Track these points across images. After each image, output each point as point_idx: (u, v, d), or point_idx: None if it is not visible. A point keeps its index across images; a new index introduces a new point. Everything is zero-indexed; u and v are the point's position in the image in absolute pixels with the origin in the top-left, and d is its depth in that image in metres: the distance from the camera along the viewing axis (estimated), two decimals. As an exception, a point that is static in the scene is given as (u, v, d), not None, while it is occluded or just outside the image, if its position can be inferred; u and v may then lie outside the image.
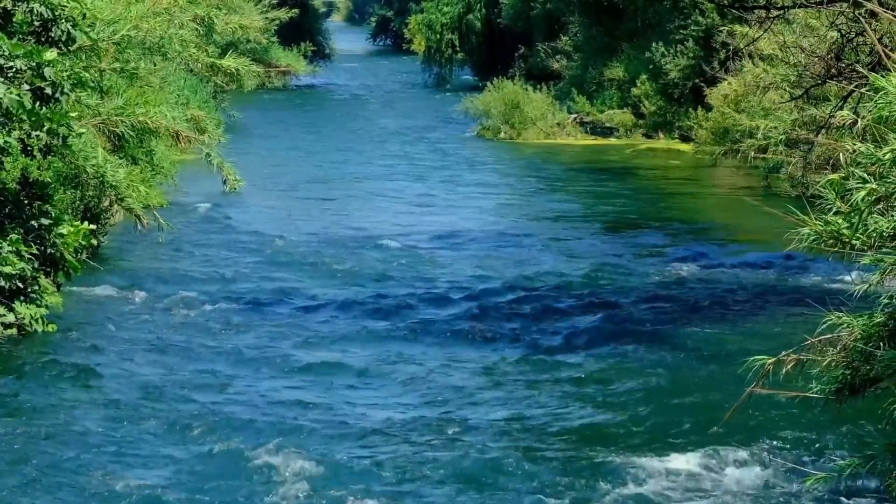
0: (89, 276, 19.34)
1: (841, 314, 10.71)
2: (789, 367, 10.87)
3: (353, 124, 49.76)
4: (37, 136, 16.39)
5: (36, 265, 16.95)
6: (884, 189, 10.02)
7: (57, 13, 17.23)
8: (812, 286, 21.00)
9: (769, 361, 10.87)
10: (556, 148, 43.28)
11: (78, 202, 20.96)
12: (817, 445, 13.19)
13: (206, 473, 12.57)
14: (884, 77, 10.15)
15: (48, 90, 16.55)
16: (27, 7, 17.17)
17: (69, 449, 13.10)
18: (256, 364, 16.63)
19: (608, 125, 45.67)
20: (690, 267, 23.13)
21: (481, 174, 37.26)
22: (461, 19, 67.52)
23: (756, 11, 18.44)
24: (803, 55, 17.22)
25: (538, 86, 47.64)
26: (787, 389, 11.21)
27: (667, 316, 19.33)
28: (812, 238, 10.45)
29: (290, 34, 63.54)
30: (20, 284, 16.82)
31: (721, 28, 32.18)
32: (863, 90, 11.84)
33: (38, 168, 17.89)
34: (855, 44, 16.56)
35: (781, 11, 17.62)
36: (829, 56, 16.75)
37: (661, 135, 43.81)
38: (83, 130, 18.55)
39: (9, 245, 16.64)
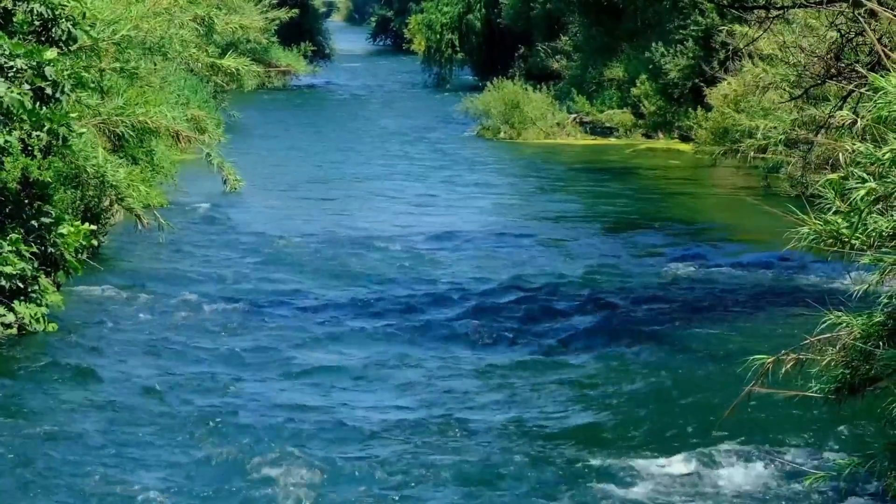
0: (89, 276, 19.34)
1: (840, 313, 10.73)
2: (788, 366, 10.88)
3: (353, 124, 49.77)
4: (37, 136, 16.40)
5: (36, 265, 16.96)
6: (883, 189, 10.03)
7: (57, 13, 17.24)
8: (811, 286, 21.00)
9: (768, 361, 10.89)
10: (555, 148, 43.28)
11: (78, 202, 20.97)
12: (816, 445, 13.19)
13: (206, 476, 12.55)
14: (883, 77, 10.16)
15: (49, 90, 16.55)
16: (27, 7, 17.18)
17: (68, 450, 13.10)
18: (256, 365, 16.62)
19: (608, 125, 45.68)
20: (690, 267, 23.13)
21: (481, 174, 37.27)
22: (461, 19, 67.53)
23: (755, 11, 18.45)
24: (803, 55, 17.23)
25: (538, 86, 47.65)
26: (787, 389, 11.22)
27: (666, 316, 19.33)
28: (811, 237, 10.46)
29: (290, 34, 63.55)
30: (20, 284, 16.82)
31: (721, 28, 32.23)
32: (862, 90, 11.85)
33: (39, 168, 17.90)
34: (854, 44, 16.56)
35: (781, 11, 17.63)
36: (829, 56, 16.76)
37: (660, 135, 43.82)
38: (83, 130, 18.56)
39: (9, 245, 16.65)
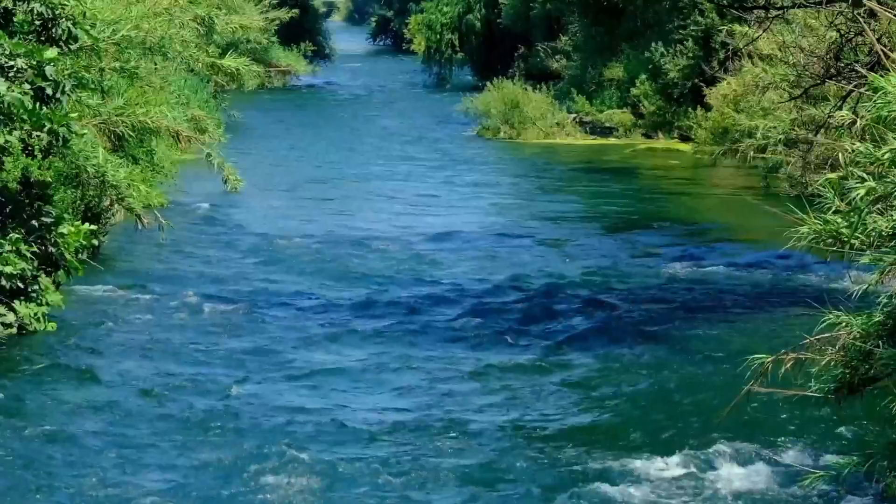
0: (89, 276, 19.33)
1: (840, 313, 10.72)
2: (788, 365, 10.88)
3: (353, 124, 49.77)
4: (38, 136, 16.40)
5: (36, 265, 16.97)
6: (882, 188, 10.04)
7: (57, 12, 17.25)
8: (811, 285, 21.01)
9: (768, 360, 10.88)
10: (555, 148, 43.29)
11: (78, 202, 20.98)
12: (816, 445, 13.19)
13: (205, 476, 12.55)
14: (883, 77, 10.17)
15: (49, 90, 16.55)
16: (27, 6, 17.18)
17: (68, 450, 13.10)
18: (256, 366, 16.62)
19: (608, 125, 45.69)
20: (689, 266, 23.14)
21: (481, 174, 37.27)
22: (461, 19, 67.52)
23: (755, 11, 18.46)
24: (802, 55, 17.24)
25: (538, 86, 47.67)
26: (786, 388, 11.22)
27: (666, 316, 19.33)
28: (811, 237, 10.46)
29: (290, 34, 63.61)
30: (20, 284, 16.83)
31: (720, 28, 32.26)
32: (862, 90, 11.86)
33: (39, 168, 17.91)
34: (854, 44, 16.57)
35: (780, 11, 17.65)
36: (828, 56, 16.77)
37: (660, 135, 43.81)
38: (84, 131, 18.57)
39: (9, 244, 16.66)
